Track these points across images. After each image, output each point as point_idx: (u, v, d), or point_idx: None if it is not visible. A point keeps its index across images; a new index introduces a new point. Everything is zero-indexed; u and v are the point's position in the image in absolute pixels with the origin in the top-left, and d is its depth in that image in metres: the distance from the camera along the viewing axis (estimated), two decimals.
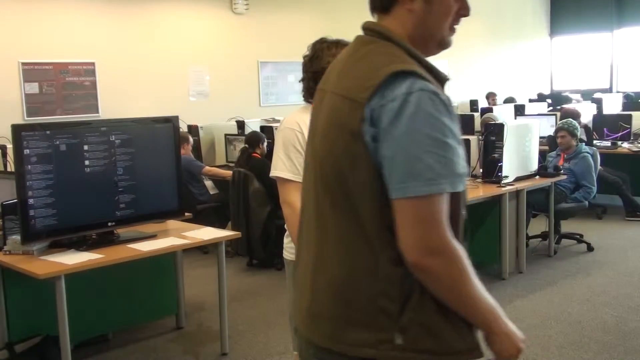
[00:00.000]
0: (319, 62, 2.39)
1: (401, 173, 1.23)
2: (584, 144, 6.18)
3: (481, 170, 5.27)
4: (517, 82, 13.15)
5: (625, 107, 9.69)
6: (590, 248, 5.83)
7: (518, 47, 13.54)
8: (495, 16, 12.81)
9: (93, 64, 7.26)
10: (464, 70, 12.11)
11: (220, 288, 3.79)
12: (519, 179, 5.29)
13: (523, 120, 7.40)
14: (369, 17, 1.47)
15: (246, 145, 5.88)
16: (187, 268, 4.83)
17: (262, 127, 6.75)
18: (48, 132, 3.25)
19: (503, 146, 5.09)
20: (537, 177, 5.51)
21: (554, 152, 6.18)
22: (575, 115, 7.07)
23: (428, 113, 1.23)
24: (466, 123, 7.95)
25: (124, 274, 3.93)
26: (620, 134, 7.49)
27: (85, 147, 3.36)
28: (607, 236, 6.31)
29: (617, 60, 13.61)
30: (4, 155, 5.16)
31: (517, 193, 5.19)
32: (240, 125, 7.23)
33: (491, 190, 5.01)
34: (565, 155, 5.95)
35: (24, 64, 6.76)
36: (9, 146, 4.75)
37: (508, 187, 5.07)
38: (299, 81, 2.53)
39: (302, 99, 2.54)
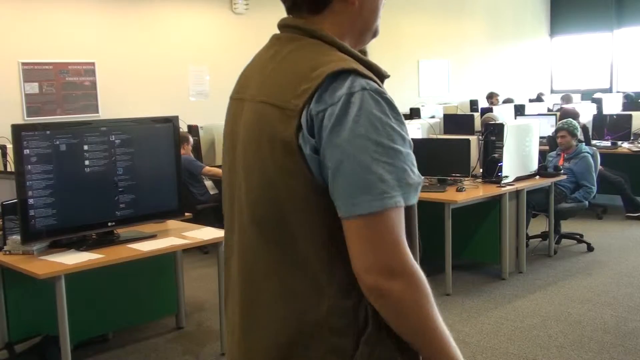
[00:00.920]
0: None
1: (348, 187, 1.07)
2: (583, 144, 6.19)
3: (481, 170, 5.28)
4: (517, 82, 13.15)
5: (625, 107, 9.70)
6: (590, 248, 5.83)
7: (518, 47, 13.54)
8: (495, 16, 12.82)
9: (93, 64, 7.26)
10: (464, 70, 12.12)
11: (220, 288, 3.79)
12: (519, 179, 5.29)
13: (523, 120, 7.40)
14: None
15: None
16: (187, 268, 4.83)
17: None
18: (48, 132, 3.24)
19: (503, 146, 5.10)
20: (537, 177, 5.51)
21: (554, 152, 6.18)
22: (575, 115, 7.08)
23: (373, 115, 1.08)
24: (466, 123, 7.97)
25: (124, 274, 3.93)
26: (618, 134, 7.49)
27: (85, 147, 3.35)
28: (607, 236, 6.31)
29: (617, 60, 13.61)
30: (4, 155, 5.16)
31: (517, 193, 5.19)
32: None
33: (491, 190, 5.01)
34: (565, 155, 5.95)
35: (24, 64, 6.76)
36: (9, 146, 4.75)
37: (508, 187, 5.07)
38: None
39: None
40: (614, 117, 7.80)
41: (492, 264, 5.22)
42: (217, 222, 5.57)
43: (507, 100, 10.81)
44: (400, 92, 10.50)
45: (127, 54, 7.56)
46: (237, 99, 1.29)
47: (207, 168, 6.29)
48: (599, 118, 7.91)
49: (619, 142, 7.49)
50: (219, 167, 6.65)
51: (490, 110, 8.59)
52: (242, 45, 8.57)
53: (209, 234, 3.78)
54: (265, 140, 1.14)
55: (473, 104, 11.15)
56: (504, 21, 13.05)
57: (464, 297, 4.71)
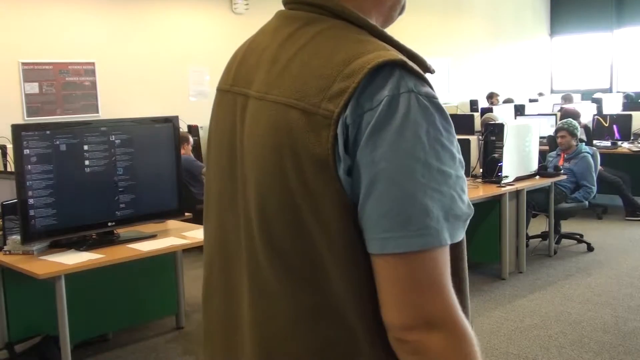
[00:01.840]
0: None
1: (383, 217, 0.84)
2: (583, 143, 6.19)
3: (481, 170, 5.28)
4: (517, 82, 13.16)
5: (625, 107, 9.70)
6: (590, 248, 5.83)
7: (518, 47, 13.55)
8: (495, 16, 12.82)
9: (93, 64, 7.26)
10: (464, 70, 12.12)
11: None
12: (519, 179, 5.29)
13: (523, 120, 7.41)
14: None
15: None
16: (187, 268, 4.82)
17: None
18: (48, 132, 3.24)
19: (503, 146, 5.10)
20: (537, 177, 5.51)
21: (554, 152, 6.18)
22: (576, 115, 7.08)
23: (420, 126, 0.85)
24: (466, 123, 7.97)
25: (124, 274, 3.93)
26: (617, 134, 7.49)
27: (85, 147, 3.35)
28: (607, 236, 6.31)
29: (617, 60, 13.62)
30: (4, 155, 5.15)
31: (517, 193, 5.19)
32: None
33: (491, 190, 5.01)
34: (565, 155, 5.95)
35: (24, 64, 6.76)
36: (9, 146, 4.75)
37: (508, 187, 5.07)
38: None
39: None
40: (614, 117, 7.80)
41: (492, 263, 5.22)
42: None
43: (507, 100, 10.81)
44: None
45: (127, 54, 7.56)
46: (235, 93, 1.03)
47: None
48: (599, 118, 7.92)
49: (619, 142, 7.49)
50: None
51: (490, 110, 8.60)
52: None
53: None
54: (287, 153, 0.88)
55: (473, 103, 11.16)
56: (504, 21, 13.06)
57: None
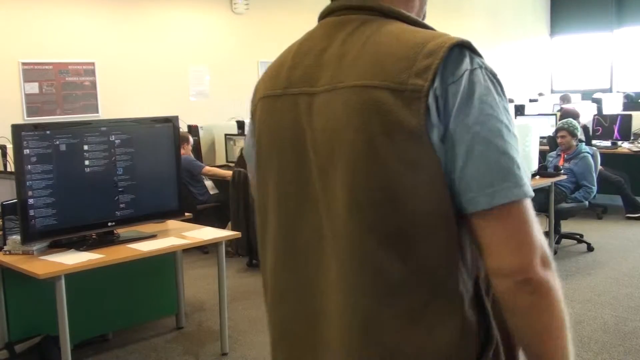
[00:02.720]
0: None
1: (485, 174, 0.93)
2: (583, 143, 6.19)
3: None
4: (517, 82, 13.16)
5: (625, 107, 9.70)
6: (590, 248, 5.83)
7: (518, 47, 13.55)
8: (495, 16, 12.82)
9: (93, 64, 7.27)
10: None
11: (220, 288, 3.79)
12: None
13: (523, 120, 7.41)
14: None
15: None
16: (187, 268, 4.83)
17: None
18: (48, 132, 3.25)
19: None
20: (537, 177, 5.51)
21: (554, 152, 6.18)
22: (576, 115, 7.08)
23: (496, 95, 0.97)
24: None
25: (124, 274, 3.93)
26: (617, 134, 7.49)
27: (85, 147, 3.36)
28: (607, 236, 6.31)
29: (617, 60, 13.62)
30: (4, 155, 5.16)
31: None
32: (240, 125, 7.22)
33: None
34: (565, 155, 5.95)
35: (24, 64, 6.76)
36: (9, 146, 4.75)
37: None
38: None
39: None
40: (614, 117, 7.80)
41: None
42: (217, 222, 5.58)
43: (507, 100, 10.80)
44: None
45: (127, 54, 7.56)
46: (293, 94, 1.06)
47: (207, 168, 6.29)
48: (599, 117, 7.91)
49: (619, 142, 7.49)
50: (219, 167, 6.65)
51: None
52: (242, 45, 8.58)
53: (209, 234, 3.79)
54: (377, 130, 0.95)
55: None
56: (504, 21, 13.06)
57: None
